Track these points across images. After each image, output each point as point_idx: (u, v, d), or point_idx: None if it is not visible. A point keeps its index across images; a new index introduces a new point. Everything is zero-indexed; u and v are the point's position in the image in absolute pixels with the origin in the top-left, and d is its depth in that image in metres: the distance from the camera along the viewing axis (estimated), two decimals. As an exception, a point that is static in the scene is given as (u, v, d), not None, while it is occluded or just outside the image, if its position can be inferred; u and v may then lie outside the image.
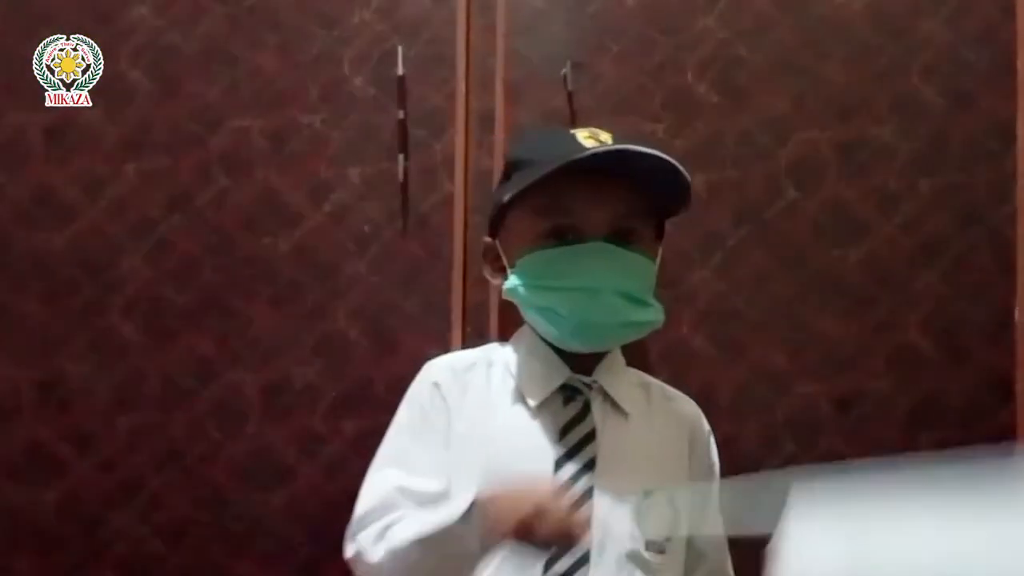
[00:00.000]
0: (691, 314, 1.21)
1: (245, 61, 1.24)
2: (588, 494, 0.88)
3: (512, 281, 0.94)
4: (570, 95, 1.21)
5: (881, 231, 1.21)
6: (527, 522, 0.75)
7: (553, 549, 0.80)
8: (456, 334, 1.21)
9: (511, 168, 0.97)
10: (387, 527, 0.85)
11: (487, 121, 1.22)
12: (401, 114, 1.22)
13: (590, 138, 0.91)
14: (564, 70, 1.21)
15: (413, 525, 0.83)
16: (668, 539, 0.91)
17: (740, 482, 0.90)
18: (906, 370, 1.20)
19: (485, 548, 0.79)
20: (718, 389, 1.20)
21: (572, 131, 0.93)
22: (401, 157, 1.22)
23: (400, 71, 1.21)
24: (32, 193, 1.24)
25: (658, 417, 0.99)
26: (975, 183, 1.20)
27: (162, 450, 1.21)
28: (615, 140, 0.92)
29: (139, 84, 1.25)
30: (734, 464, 1.18)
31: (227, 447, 1.20)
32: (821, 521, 0.64)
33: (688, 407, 1.03)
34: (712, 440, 1.03)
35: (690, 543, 0.97)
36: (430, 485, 0.89)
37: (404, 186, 1.22)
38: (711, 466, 1.02)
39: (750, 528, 0.72)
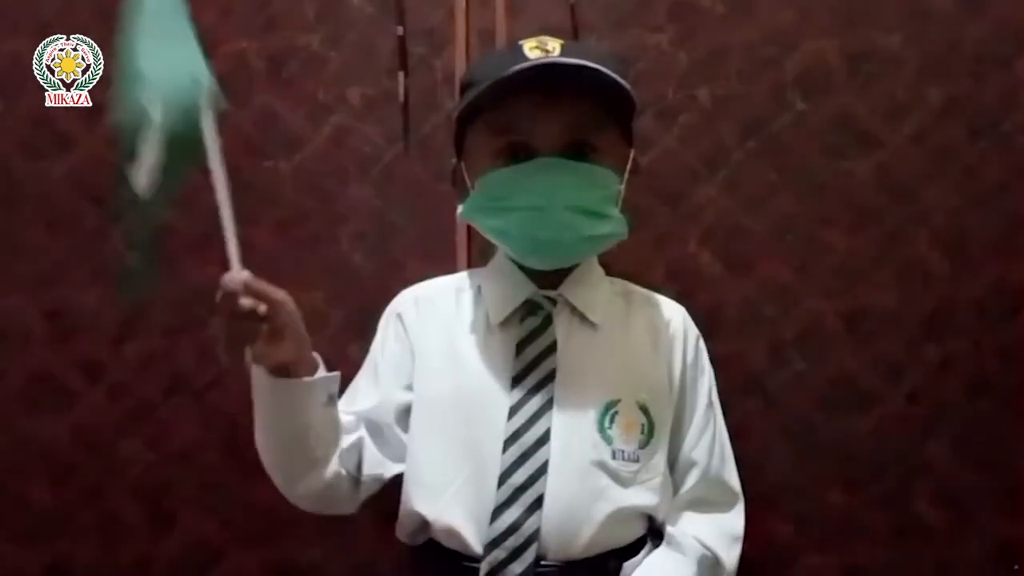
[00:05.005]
0: (697, 230, 1.20)
1: (240, -18, 1.22)
2: (548, 405, 0.88)
3: (467, 204, 0.93)
4: (572, 8, 1.18)
5: (890, 142, 1.19)
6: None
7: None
8: (461, 255, 1.20)
9: (463, 88, 0.94)
10: None
11: (488, 36, 1.20)
12: (400, 31, 1.20)
13: (536, 48, 0.87)
14: (566, -18, 1.18)
15: None
16: (642, 447, 0.90)
17: None
18: (915, 283, 1.19)
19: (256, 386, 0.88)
20: (726, 305, 1.20)
21: (521, 42, 0.89)
22: (401, 75, 1.20)
23: (398, -14, 1.19)
24: (31, 121, 1.23)
25: (637, 326, 0.97)
26: (985, 91, 1.18)
27: (170, 381, 1.22)
28: (564, 49, 0.88)
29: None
30: (741, 381, 1.19)
31: (235, 374, 1.20)
32: None
33: (671, 312, 1.00)
34: (701, 343, 1.01)
35: (678, 451, 0.96)
36: (363, 405, 0.98)
37: (405, 106, 1.20)
38: (699, 370, 0.99)
39: None
